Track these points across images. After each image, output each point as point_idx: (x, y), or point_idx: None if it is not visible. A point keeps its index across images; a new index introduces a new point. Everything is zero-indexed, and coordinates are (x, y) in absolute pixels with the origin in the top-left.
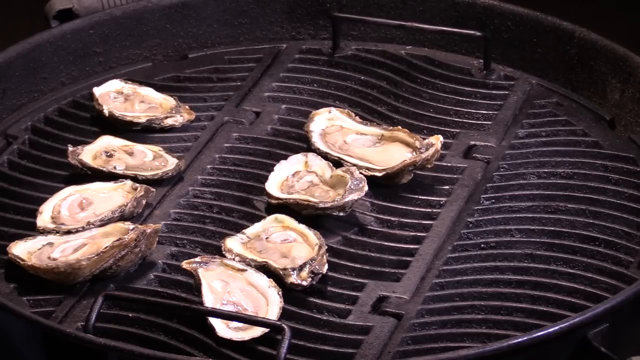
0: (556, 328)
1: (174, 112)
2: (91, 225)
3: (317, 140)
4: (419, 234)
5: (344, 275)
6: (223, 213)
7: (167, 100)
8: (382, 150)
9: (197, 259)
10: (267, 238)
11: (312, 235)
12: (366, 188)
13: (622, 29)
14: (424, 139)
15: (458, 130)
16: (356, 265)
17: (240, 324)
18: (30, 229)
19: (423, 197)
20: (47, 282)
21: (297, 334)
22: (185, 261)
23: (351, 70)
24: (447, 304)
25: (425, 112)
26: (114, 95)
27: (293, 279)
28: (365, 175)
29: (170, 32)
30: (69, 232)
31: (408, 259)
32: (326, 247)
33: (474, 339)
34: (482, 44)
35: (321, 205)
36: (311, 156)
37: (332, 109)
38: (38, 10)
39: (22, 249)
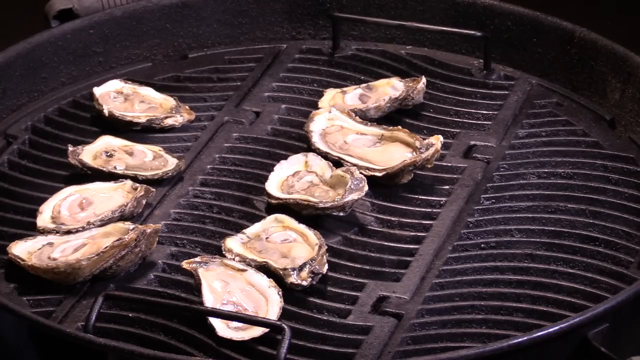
0: (556, 328)
1: (174, 112)
2: (91, 225)
3: (317, 140)
4: (419, 234)
5: (344, 275)
6: (223, 213)
7: (167, 100)
8: (382, 150)
9: (197, 259)
10: (267, 238)
11: (312, 235)
12: (366, 188)
13: (622, 29)
14: (424, 139)
15: (458, 130)
16: (356, 265)
17: (240, 324)
18: (30, 229)
19: (423, 197)
20: (47, 282)
21: (297, 334)
22: (185, 261)
23: (351, 70)
24: (447, 304)
25: (425, 112)
26: (114, 95)
27: (293, 279)
28: (365, 175)
29: (170, 32)
30: (69, 232)
31: (408, 259)
32: (326, 247)
33: (474, 339)
34: (482, 44)
35: (321, 205)
36: (311, 156)
37: (333, 108)
38: (38, 10)
39: (22, 249)
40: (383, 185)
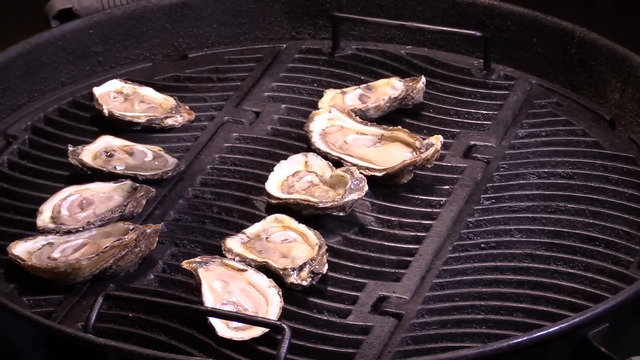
0: (556, 328)
1: (174, 112)
2: (91, 225)
3: (317, 140)
4: (419, 233)
5: (344, 275)
6: (223, 213)
7: (167, 100)
8: (382, 150)
9: (197, 259)
10: (267, 238)
11: (312, 235)
12: (366, 188)
13: (622, 29)
14: (424, 139)
15: (458, 130)
16: (356, 265)
17: (240, 324)
18: (30, 229)
19: (423, 197)
20: (47, 282)
21: (297, 334)
22: (185, 261)
23: (351, 70)
24: (447, 304)
25: (425, 112)
26: (114, 95)
27: (293, 279)
28: (365, 175)
29: (170, 32)
30: (69, 232)
31: (408, 259)
32: (326, 247)
33: (474, 339)
34: (482, 44)
35: (321, 205)
36: (311, 156)
37: (333, 108)
38: (38, 10)
39: (22, 249)
40: (383, 185)
